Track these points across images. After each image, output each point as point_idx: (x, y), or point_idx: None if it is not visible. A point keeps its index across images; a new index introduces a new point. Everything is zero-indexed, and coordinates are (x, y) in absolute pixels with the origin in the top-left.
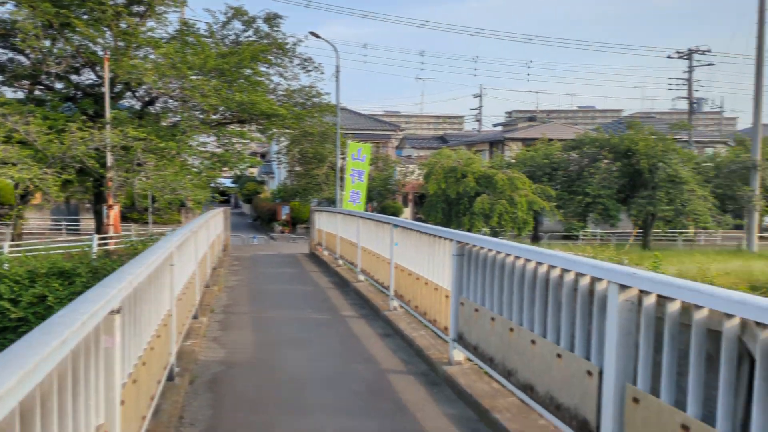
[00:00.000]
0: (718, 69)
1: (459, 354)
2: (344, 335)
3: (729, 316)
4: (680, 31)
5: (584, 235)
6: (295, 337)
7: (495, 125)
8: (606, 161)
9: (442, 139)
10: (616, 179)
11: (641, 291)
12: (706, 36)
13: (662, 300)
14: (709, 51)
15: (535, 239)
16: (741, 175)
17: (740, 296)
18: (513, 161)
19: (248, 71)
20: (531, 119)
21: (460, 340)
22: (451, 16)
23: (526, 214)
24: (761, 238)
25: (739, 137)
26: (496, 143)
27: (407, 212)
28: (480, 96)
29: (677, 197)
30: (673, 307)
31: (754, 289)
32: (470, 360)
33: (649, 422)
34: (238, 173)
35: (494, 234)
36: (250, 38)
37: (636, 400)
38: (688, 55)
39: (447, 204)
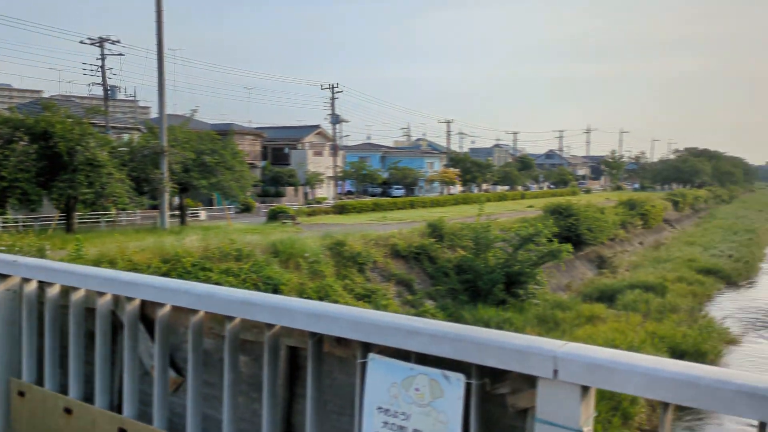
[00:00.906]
0: (131, 60)
1: None
2: None
3: (102, 293)
4: (98, 18)
5: (5, 223)
6: None
7: None
8: (23, 143)
9: None
10: (34, 162)
11: (24, 279)
12: (121, 26)
13: (44, 285)
14: (119, 41)
15: None
16: (153, 160)
17: (111, 274)
18: None
19: None
20: None
21: None
22: None
23: None
24: (173, 216)
25: (149, 125)
26: None
27: None
28: None
29: (97, 180)
30: (53, 291)
31: (165, 261)
32: None
33: (36, 414)
34: None
35: None
36: None
37: (22, 394)
38: (100, 43)
39: None
